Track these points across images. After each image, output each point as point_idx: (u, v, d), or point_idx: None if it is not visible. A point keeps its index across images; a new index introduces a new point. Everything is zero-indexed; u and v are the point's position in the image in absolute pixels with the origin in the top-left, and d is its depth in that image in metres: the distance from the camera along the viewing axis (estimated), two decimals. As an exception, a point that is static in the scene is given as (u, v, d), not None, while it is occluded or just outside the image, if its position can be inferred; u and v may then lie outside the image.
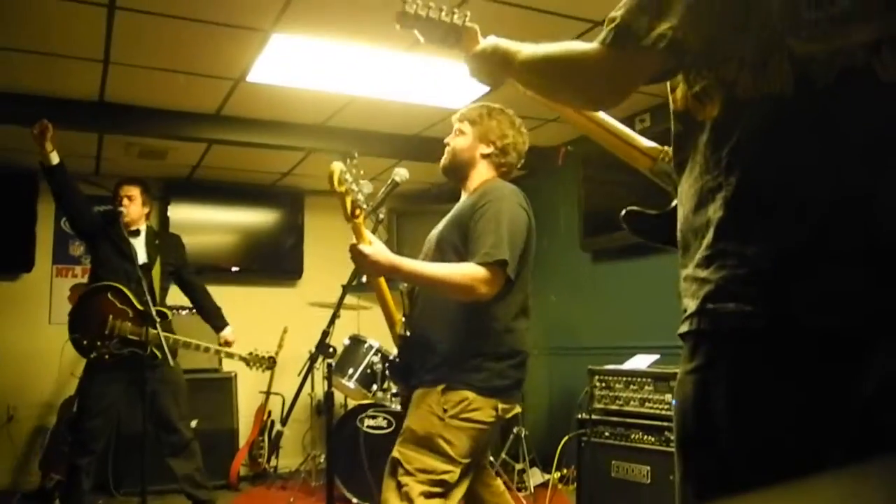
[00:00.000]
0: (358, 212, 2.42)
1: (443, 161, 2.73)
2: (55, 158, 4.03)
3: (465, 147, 2.66)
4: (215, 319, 4.60)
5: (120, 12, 3.46)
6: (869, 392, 1.08)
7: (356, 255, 2.38)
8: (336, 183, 2.38)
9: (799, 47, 1.14)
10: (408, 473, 2.37)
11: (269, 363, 4.46)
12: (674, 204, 1.48)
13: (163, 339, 3.88)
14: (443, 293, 2.47)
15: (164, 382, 4.11)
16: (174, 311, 4.57)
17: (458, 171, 2.68)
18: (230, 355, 4.56)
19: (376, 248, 2.40)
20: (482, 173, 2.64)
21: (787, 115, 1.14)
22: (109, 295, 4.10)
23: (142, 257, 4.19)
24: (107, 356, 4.02)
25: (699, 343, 1.19)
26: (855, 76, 1.13)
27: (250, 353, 4.43)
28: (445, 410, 2.39)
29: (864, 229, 1.10)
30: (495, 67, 1.61)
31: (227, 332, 4.57)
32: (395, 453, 2.44)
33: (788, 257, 1.10)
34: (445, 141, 2.73)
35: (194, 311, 5.85)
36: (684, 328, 1.21)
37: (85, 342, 4.04)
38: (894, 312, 1.09)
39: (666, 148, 1.75)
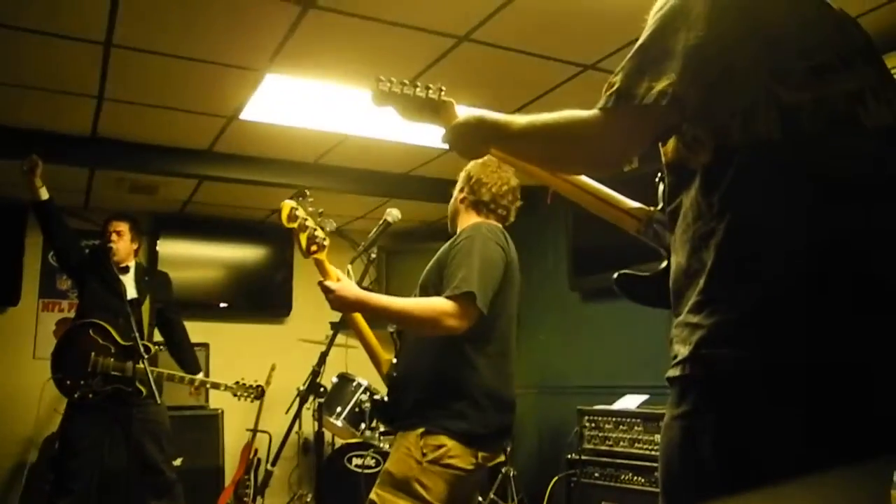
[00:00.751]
0: (314, 248, 2.46)
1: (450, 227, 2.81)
2: (45, 194, 4.04)
3: (452, 202, 2.78)
4: (190, 364, 4.53)
5: (116, 50, 3.49)
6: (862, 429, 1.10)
7: (323, 290, 2.40)
8: (285, 220, 2.43)
9: (786, 96, 1.17)
10: None
11: (258, 392, 4.42)
12: (664, 265, 1.51)
13: (148, 373, 3.84)
14: (412, 327, 2.48)
15: (148, 422, 4.06)
16: (160, 346, 4.52)
17: (453, 225, 2.77)
18: (216, 386, 4.53)
19: (343, 284, 2.42)
20: (464, 219, 2.71)
21: (776, 160, 1.17)
22: (91, 332, 4.08)
23: (131, 293, 4.17)
24: (90, 395, 3.98)
25: (688, 389, 1.20)
26: (841, 123, 1.17)
27: (237, 383, 4.39)
28: (424, 454, 2.37)
29: (852, 271, 1.12)
30: (479, 139, 1.61)
31: (200, 378, 4.46)
32: (372, 495, 2.42)
33: (779, 300, 1.12)
34: None
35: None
36: (674, 373, 1.22)
37: (68, 382, 4.00)
38: (885, 351, 1.10)
39: (652, 209, 1.77)
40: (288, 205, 2.43)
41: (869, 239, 1.14)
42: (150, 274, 4.63)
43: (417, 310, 2.39)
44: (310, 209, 2.47)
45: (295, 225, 2.43)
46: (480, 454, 2.42)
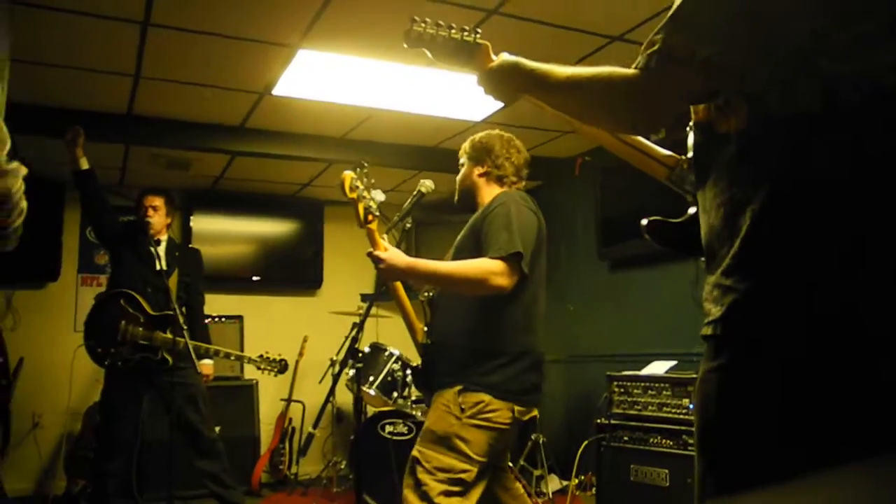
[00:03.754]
0: (370, 217, 2.54)
1: (455, 198, 2.89)
2: (86, 164, 4.14)
3: (463, 176, 2.85)
4: (199, 338, 4.49)
5: (152, 29, 3.57)
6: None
7: (373, 260, 2.48)
8: (347, 190, 2.51)
9: (827, 67, 1.17)
10: (427, 472, 2.44)
11: (281, 366, 4.49)
12: (693, 211, 1.53)
13: (188, 344, 3.94)
14: (461, 289, 2.56)
15: (183, 386, 4.14)
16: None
17: (468, 199, 2.84)
18: (240, 358, 4.62)
19: (392, 252, 2.51)
20: (488, 191, 2.77)
21: (816, 133, 1.17)
22: (122, 301, 4.18)
23: (161, 265, 4.22)
24: (120, 362, 4.09)
25: (721, 346, 1.24)
26: (882, 97, 1.17)
27: (261, 356, 4.47)
28: (463, 410, 2.46)
29: (890, 248, 1.13)
30: (514, 85, 1.62)
31: (205, 362, 4.43)
32: (414, 452, 2.52)
33: (813, 272, 1.15)
34: (457, 179, 2.89)
35: (215, 319, 5.99)
36: (707, 331, 1.25)
37: (99, 349, 4.11)
38: None
39: (682, 157, 1.78)
40: (349, 176, 2.52)
41: None
42: (182, 249, 4.73)
43: (467, 270, 2.47)
44: (365, 180, 2.55)
45: (355, 195, 2.51)
46: (517, 408, 2.51)
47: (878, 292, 1.13)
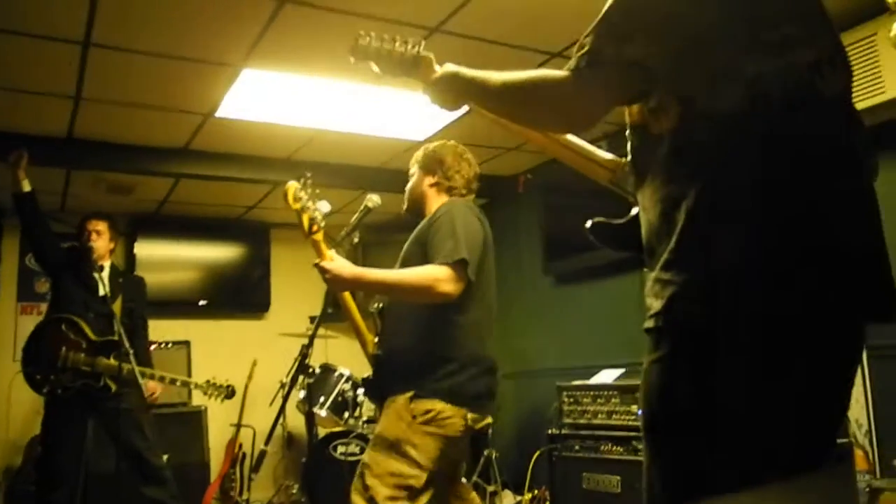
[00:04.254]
0: (315, 227, 2.55)
1: (403, 206, 2.92)
2: (27, 186, 4.07)
3: (414, 184, 2.89)
4: (142, 364, 4.31)
5: (94, 49, 3.54)
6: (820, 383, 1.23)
7: (319, 271, 2.49)
8: (291, 201, 2.53)
9: (753, 67, 1.25)
10: (375, 476, 2.45)
11: (228, 392, 4.42)
12: (635, 211, 1.59)
13: (135, 371, 3.85)
14: (408, 297, 2.58)
15: (127, 412, 4.05)
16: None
17: (416, 207, 2.87)
18: (186, 384, 4.55)
19: (338, 262, 2.52)
20: (435, 201, 2.81)
21: (742, 130, 1.24)
22: (63, 327, 4.08)
23: (103, 290, 4.14)
24: (59, 390, 3.99)
25: (663, 337, 1.29)
26: (802, 94, 1.26)
27: (207, 382, 4.40)
28: (414, 417, 2.47)
29: (817, 233, 1.21)
30: (456, 94, 1.68)
31: (150, 384, 4.24)
32: (364, 457, 2.54)
33: (746, 261, 1.21)
34: (406, 189, 2.92)
35: (162, 345, 5.89)
36: (649, 324, 1.30)
37: (38, 376, 4.00)
38: (845, 308, 1.22)
39: (623, 160, 1.83)
40: (293, 186, 2.53)
41: (829, 206, 1.23)
42: (125, 276, 4.66)
43: (413, 278, 2.49)
44: (309, 191, 2.56)
45: (298, 206, 2.52)
46: (469, 415, 2.53)
47: (800, 280, 1.19)
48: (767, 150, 1.24)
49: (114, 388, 3.99)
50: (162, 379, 4.30)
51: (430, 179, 2.83)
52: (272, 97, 4.24)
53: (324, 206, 2.60)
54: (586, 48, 1.35)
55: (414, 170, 2.90)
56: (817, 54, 1.30)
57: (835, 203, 1.24)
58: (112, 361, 3.99)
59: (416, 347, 2.58)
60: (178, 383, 4.51)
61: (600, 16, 1.36)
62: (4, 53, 3.55)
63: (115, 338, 3.95)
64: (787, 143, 1.24)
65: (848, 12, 3.37)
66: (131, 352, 3.89)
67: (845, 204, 1.26)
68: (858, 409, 3.43)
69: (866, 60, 3.29)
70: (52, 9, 3.17)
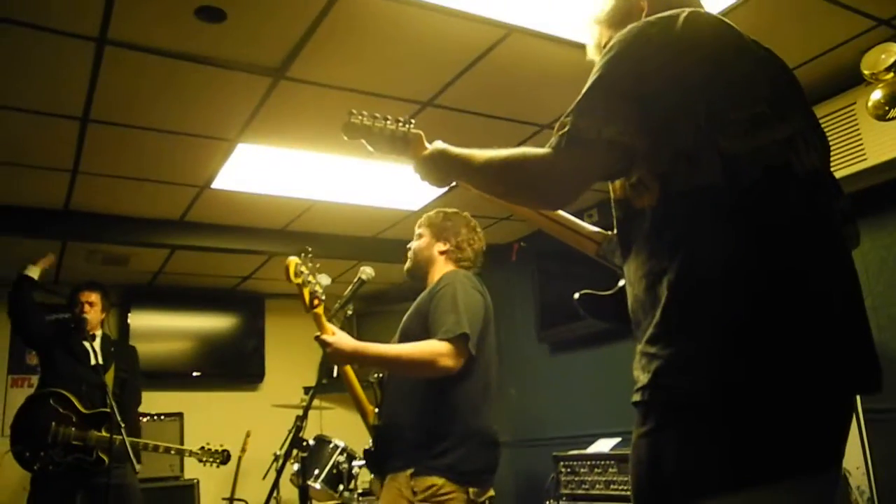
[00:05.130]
0: (316, 301, 2.56)
1: (406, 264, 2.91)
2: (35, 274, 4.14)
3: (423, 247, 2.87)
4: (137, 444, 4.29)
5: (92, 125, 3.61)
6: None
7: (321, 344, 2.49)
8: (292, 275, 2.53)
9: (726, 145, 1.28)
10: None
11: (223, 457, 4.38)
12: (621, 283, 1.62)
13: (126, 443, 3.80)
14: (408, 371, 2.57)
15: (118, 488, 3.99)
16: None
17: (420, 271, 2.86)
18: (181, 452, 4.49)
19: (339, 336, 2.51)
20: (441, 269, 2.81)
21: (719, 206, 1.27)
22: (52, 401, 4.04)
23: (95, 360, 4.13)
24: (50, 466, 3.93)
25: (650, 411, 1.30)
26: (776, 171, 1.29)
27: (202, 448, 4.36)
28: (415, 493, 2.44)
29: (796, 308, 1.23)
30: (443, 171, 1.71)
31: (164, 444, 4.36)
32: None
33: (726, 335, 1.22)
34: (408, 246, 2.92)
35: (154, 417, 5.84)
36: (636, 398, 1.31)
37: (27, 453, 3.94)
38: (828, 382, 1.23)
39: (609, 233, 1.87)
40: (294, 261, 2.54)
41: (806, 275, 1.26)
42: (117, 345, 4.64)
43: (414, 353, 2.49)
44: (310, 265, 2.58)
45: (300, 280, 2.53)
46: (471, 490, 2.49)
47: (782, 356, 1.21)
48: (743, 226, 1.26)
49: (107, 460, 3.93)
50: (156, 448, 4.25)
51: (441, 246, 2.84)
52: (267, 170, 4.30)
53: (324, 280, 2.62)
54: (567, 128, 1.38)
55: (423, 231, 2.89)
56: (790, 131, 1.34)
57: (813, 275, 1.27)
58: (104, 434, 3.94)
59: (415, 421, 2.56)
60: (172, 452, 4.45)
61: (581, 96, 1.40)
62: (4, 129, 3.61)
63: (107, 409, 3.90)
64: (763, 219, 1.27)
65: (827, 82, 3.47)
66: (122, 425, 3.85)
67: (824, 277, 1.28)
68: (859, 476, 3.39)
69: (847, 129, 3.37)
70: (53, 87, 3.25)
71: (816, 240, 1.30)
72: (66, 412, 4.03)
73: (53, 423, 3.97)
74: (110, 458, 3.91)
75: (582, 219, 1.97)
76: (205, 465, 4.38)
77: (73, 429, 3.98)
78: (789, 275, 1.25)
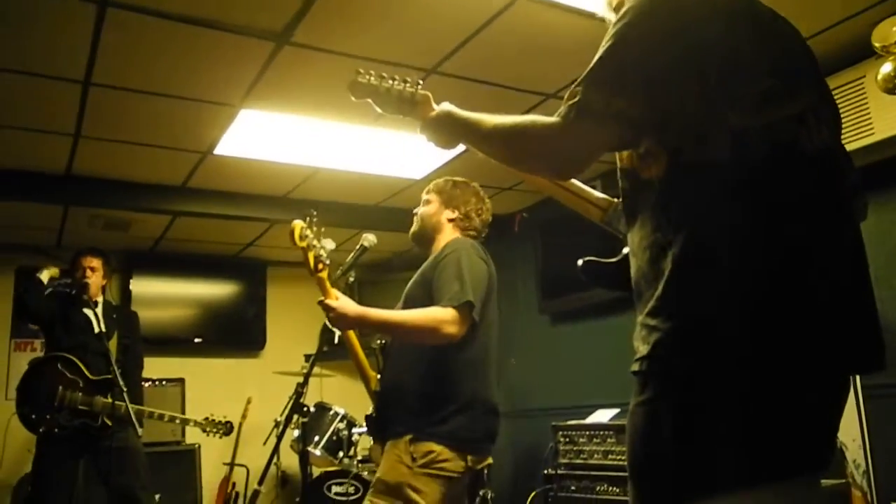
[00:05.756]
0: (321, 266, 2.55)
1: (412, 228, 2.90)
2: (46, 277, 4.16)
3: (431, 213, 2.85)
4: (134, 399, 4.30)
5: (94, 88, 3.58)
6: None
7: (324, 308, 2.49)
8: (297, 238, 2.52)
9: (737, 120, 1.27)
10: None
11: (226, 428, 4.43)
12: (625, 251, 1.61)
13: (129, 410, 3.84)
14: (412, 337, 2.57)
15: (121, 450, 4.03)
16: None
17: (427, 236, 2.85)
18: (185, 421, 4.53)
19: (342, 301, 2.51)
20: (448, 236, 2.80)
21: (727, 182, 1.26)
22: (59, 365, 4.07)
23: (97, 328, 4.13)
24: (56, 429, 3.96)
25: (648, 381, 1.30)
26: (786, 148, 1.28)
27: (206, 419, 4.40)
28: (414, 459, 2.45)
29: (800, 285, 1.23)
30: (450, 134, 1.71)
31: (169, 413, 4.42)
32: (365, 502, 2.50)
33: (729, 312, 1.22)
34: (414, 211, 2.91)
35: (156, 382, 5.87)
36: (635, 367, 1.32)
37: (33, 416, 3.98)
38: (829, 359, 1.23)
39: (616, 200, 1.86)
40: (299, 225, 2.53)
41: (810, 254, 1.25)
42: (119, 311, 4.65)
43: (418, 319, 2.48)
44: (314, 229, 2.57)
45: (304, 244, 2.51)
46: (469, 457, 2.50)
47: (784, 332, 1.21)
48: (751, 202, 1.26)
49: (111, 425, 3.97)
50: (161, 417, 4.29)
51: (449, 214, 2.83)
52: (270, 136, 4.28)
53: (328, 244, 2.61)
54: (577, 98, 1.37)
55: (432, 198, 2.87)
56: (801, 107, 1.32)
57: (819, 254, 1.26)
58: (109, 400, 3.97)
59: (417, 388, 2.56)
60: (176, 421, 4.49)
61: (591, 66, 1.39)
62: (4, 92, 3.59)
63: (111, 376, 3.92)
64: (770, 196, 1.26)
65: (837, 55, 3.43)
66: (125, 390, 3.88)
67: (829, 255, 1.27)
68: (856, 450, 3.41)
69: (855, 103, 3.35)
70: (54, 49, 3.22)
71: (823, 218, 1.29)
72: (73, 377, 4.06)
73: (61, 388, 4.00)
74: (115, 424, 3.94)
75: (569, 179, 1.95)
76: (208, 435, 4.42)
77: (80, 394, 4.02)
78: (793, 253, 1.24)
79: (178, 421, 4.49)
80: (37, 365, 4.18)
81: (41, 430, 3.97)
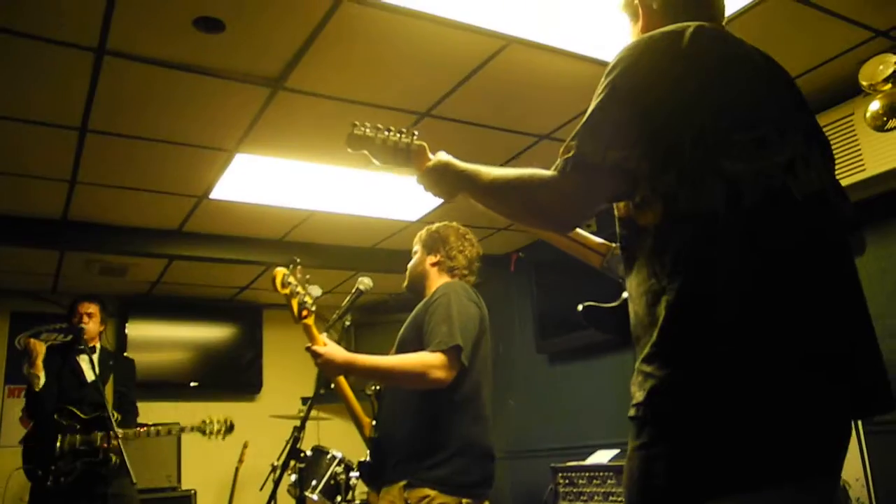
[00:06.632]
0: (305, 312, 2.55)
1: (404, 283, 2.92)
2: (40, 384, 4.08)
3: (416, 262, 2.89)
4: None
5: (91, 134, 3.60)
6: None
7: (312, 355, 2.48)
8: (279, 286, 2.53)
9: (730, 168, 1.28)
10: None
11: (227, 426, 4.40)
12: (624, 296, 1.62)
13: (120, 447, 3.81)
14: (401, 383, 2.56)
15: (117, 499, 3.99)
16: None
17: (417, 286, 2.88)
18: (182, 429, 4.46)
19: (330, 347, 2.50)
20: (436, 280, 2.81)
21: (720, 230, 1.27)
22: (56, 417, 4.06)
23: (90, 375, 4.15)
24: (62, 479, 3.91)
25: (644, 426, 1.31)
26: (777, 194, 1.29)
27: (203, 422, 4.36)
28: None
29: (796, 334, 1.23)
30: (448, 185, 1.71)
31: (165, 426, 4.37)
32: None
33: (724, 362, 1.22)
34: (407, 266, 2.93)
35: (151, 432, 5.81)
36: (632, 413, 1.33)
37: (39, 472, 3.95)
38: (831, 406, 1.23)
39: (613, 245, 1.88)
40: (281, 272, 2.53)
41: (806, 303, 1.26)
42: (115, 358, 4.64)
43: (406, 365, 2.48)
44: (299, 276, 2.57)
45: (287, 291, 2.52)
46: (465, 501, 2.47)
47: (782, 382, 1.21)
48: (745, 250, 1.26)
49: (115, 459, 3.92)
50: (157, 433, 4.24)
51: (432, 258, 2.85)
52: (265, 180, 4.30)
53: (314, 291, 2.61)
54: (572, 152, 1.38)
55: (417, 248, 2.91)
56: (790, 154, 1.33)
57: (815, 301, 1.26)
58: (103, 433, 3.96)
59: (410, 433, 2.55)
60: (171, 433, 4.39)
61: (585, 118, 1.40)
62: (3, 138, 3.61)
63: (106, 414, 3.91)
64: (765, 243, 1.26)
65: (826, 94, 3.47)
66: (120, 434, 3.84)
67: (826, 301, 1.28)
68: (859, 488, 3.38)
69: (845, 139, 3.38)
70: (51, 96, 3.24)
71: (818, 263, 1.30)
72: (69, 423, 4.05)
73: (59, 436, 3.99)
74: (119, 457, 3.88)
75: (581, 228, 1.96)
76: (210, 437, 4.38)
77: (78, 435, 3.99)
78: (789, 300, 1.25)
79: (176, 430, 4.41)
80: (36, 424, 4.14)
81: (49, 482, 3.92)
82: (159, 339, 6.49)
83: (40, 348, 4.13)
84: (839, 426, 1.29)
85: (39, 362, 4.10)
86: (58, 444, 3.96)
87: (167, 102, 3.36)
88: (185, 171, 4.10)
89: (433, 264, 2.84)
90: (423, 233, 2.93)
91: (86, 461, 3.97)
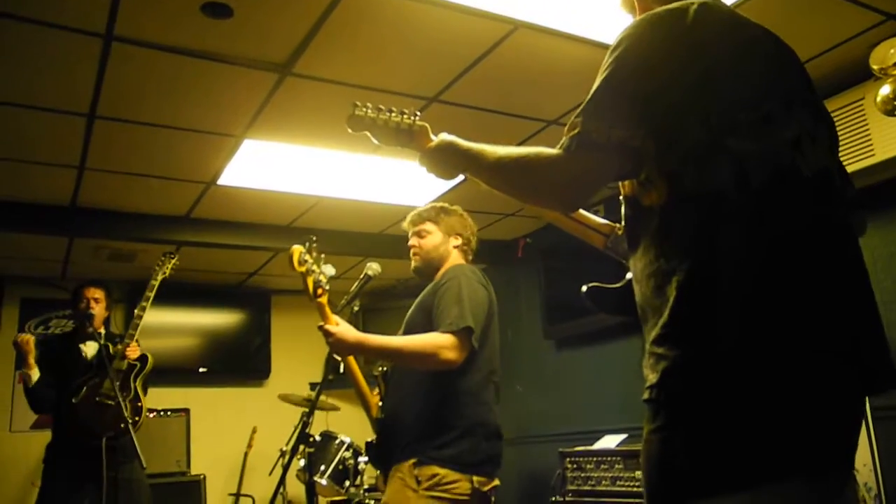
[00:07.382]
0: (320, 291, 2.56)
1: (415, 263, 2.89)
2: (35, 375, 4.11)
3: (438, 243, 2.86)
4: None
5: (99, 121, 3.61)
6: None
7: (323, 334, 2.49)
8: (296, 263, 2.54)
9: (736, 146, 1.27)
10: None
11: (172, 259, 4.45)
12: (629, 276, 1.61)
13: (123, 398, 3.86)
14: (411, 363, 2.58)
15: (126, 483, 4.00)
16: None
17: (433, 267, 2.85)
18: (151, 287, 4.50)
19: (342, 326, 2.52)
20: (453, 261, 2.83)
21: (728, 208, 1.26)
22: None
23: (100, 358, 4.16)
24: (84, 388, 4.00)
25: (660, 409, 1.30)
26: (784, 172, 1.28)
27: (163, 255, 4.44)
28: (419, 482, 2.44)
29: (806, 306, 1.23)
30: (450, 164, 1.70)
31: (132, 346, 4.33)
32: None
33: (736, 340, 1.22)
34: (410, 244, 2.90)
35: (160, 413, 5.86)
36: (647, 396, 1.32)
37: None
38: (841, 377, 1.23)
39: (618, 225, 1.88)
40: (298, 249, 2.55)
41: (818, 279, 1.25)
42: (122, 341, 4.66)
43: (417, 345, 2.50)
44: (314, 255, 2.58)
45: (303, 269, 2.54)
46: (475, 478, 2.49)
47: (792, 360, 1.21)
48: (753, 231, 1.26)
49: (125, 422, 3.91)
50: (136, 326, 4.29)
51: (455, 241, 2.85)
52: (273, 166, 4.30)
53: (328, 270, 2.62)
54: (577, 129, 1.37)
55: (429, 228, 2.86)
56: (797, 131, 1.32)
57: (823, 277, 1.26)
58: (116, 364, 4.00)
59: (419, 413, 2.57)
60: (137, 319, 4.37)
61: (589, 96, 1.39)
62: (10, 125, 3.62)
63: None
64: (772, 221, 1.26)
65: (836, 78, 3.45)
66: (130, 420, 3.86)
67: (834, 276, 1.27)
68: (867, 473, 3.38)
69: (855, 124, 3.36)
70: (59, 83, 3.25)
71: (825, 240, 1.29)
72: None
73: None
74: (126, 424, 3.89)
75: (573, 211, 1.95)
76: (163, 268, 4.45)
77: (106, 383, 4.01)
78: (798, 277, 1.24)
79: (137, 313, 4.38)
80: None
81: (74, 400, 3.98)
82: (168, 325, 6.51)
83: (30, 345, 4.13)
84: (853, 405, 1.29)
85: (31, 359, 4.12)
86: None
87: (175, 88, 3.36)
88: (193, 157, 4.11)
89: (456, 247, 2.85)
90: (431, 213, 2.88)
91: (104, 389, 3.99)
